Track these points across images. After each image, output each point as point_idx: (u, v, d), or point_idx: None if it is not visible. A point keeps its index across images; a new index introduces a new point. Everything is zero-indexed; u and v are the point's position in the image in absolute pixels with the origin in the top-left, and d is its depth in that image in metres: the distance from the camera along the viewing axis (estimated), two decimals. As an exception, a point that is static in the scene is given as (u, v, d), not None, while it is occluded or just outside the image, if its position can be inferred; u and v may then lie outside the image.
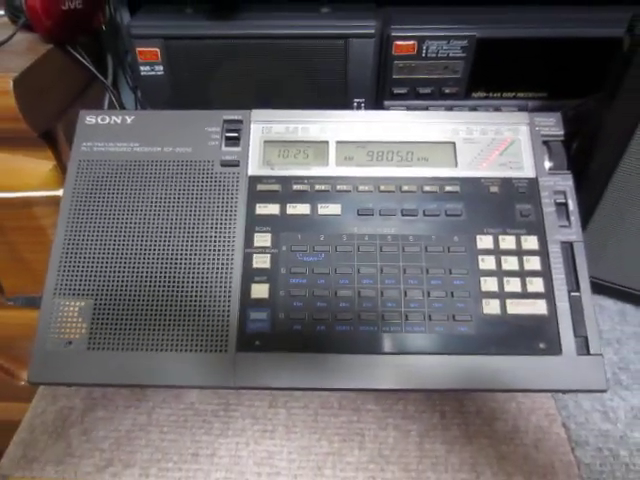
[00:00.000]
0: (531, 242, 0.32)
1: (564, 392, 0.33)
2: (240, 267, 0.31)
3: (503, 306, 0.31)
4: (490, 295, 0.31)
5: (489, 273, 0.31)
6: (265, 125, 0.36)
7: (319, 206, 0.33)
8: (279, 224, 0.33)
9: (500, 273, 0.31)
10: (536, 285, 0.31)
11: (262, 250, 0.32)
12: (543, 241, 0.32)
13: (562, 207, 0.33)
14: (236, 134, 0.35)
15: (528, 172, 0.34)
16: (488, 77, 0.47)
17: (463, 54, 0.45)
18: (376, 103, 0.49)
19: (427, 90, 0.47)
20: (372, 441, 0.33)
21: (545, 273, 0.31)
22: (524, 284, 0.31)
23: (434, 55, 0.45)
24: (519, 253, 0.32)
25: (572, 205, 0.33)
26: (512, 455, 0.32)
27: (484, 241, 0.32)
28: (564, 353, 0.30)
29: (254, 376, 0.29)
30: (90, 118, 0.36)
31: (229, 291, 0.31)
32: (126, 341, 0.30)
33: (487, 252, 0.32)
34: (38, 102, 0.39)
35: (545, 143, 0.35)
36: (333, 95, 0.47)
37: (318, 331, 0.30)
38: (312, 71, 0.46)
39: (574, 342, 0.30)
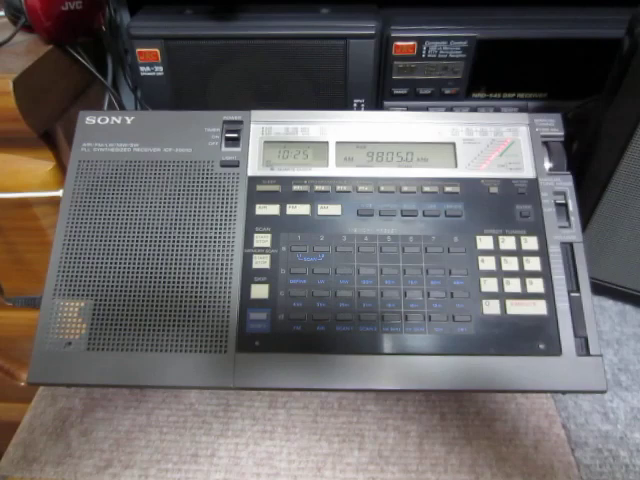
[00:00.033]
0: (531, 242, 0.32)
1: (564, 393, 0.33)
2: (240, 267, 0.31)
3: (503, 306, 0.31)
4: (490, 295, 0.31)
5: (489, 273, 0.31)
6: (265, 125, 0.36)
7: (319, 206, 0.33)
8: (279, 224, 0.33)
9: (500, 273, 0.31)
10: (536, 285, 0.31)
11: (262, 250, 0.32)
12: (543, 242, 0.32)
13: (562, 208, 0.33)
14: (236, 134, 0.35)
15: (528, 173, 0.34)
16: (488, 78, 0.47)
17: (463, 55, 0.45)
18: (376, 103, 0.49)
19: (427, 91, 0.47)
20: (372, 442, 0.33)
21: (545, 273, 0.31)
22: (524, 284, 0.31)
23: (434, 56, 0.45)
24: (519, 253, 0.32)
25: (572, 206, 0.33)
26: (512, 456, 0.32)
27: (484, 241, 0.32)
28: (564, 354, 0.30)
29: (254, 377, 0.29)
30: (90, 118, 0.36)
31: (229, 291, 0.31)
32: (126, 342, 0.30)
33: (487, 252, 0.32)
34: (38, 103, 0.39)
35: (545, 144, 0.35)
36: (333, 95, 0.47)
37: (318, 331, 0.30)
38: (312, 72, 0.46)
39: (574, 343, 0.30)
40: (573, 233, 0.32)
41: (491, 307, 0.31)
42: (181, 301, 0.31)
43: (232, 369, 0.29)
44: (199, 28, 0.45)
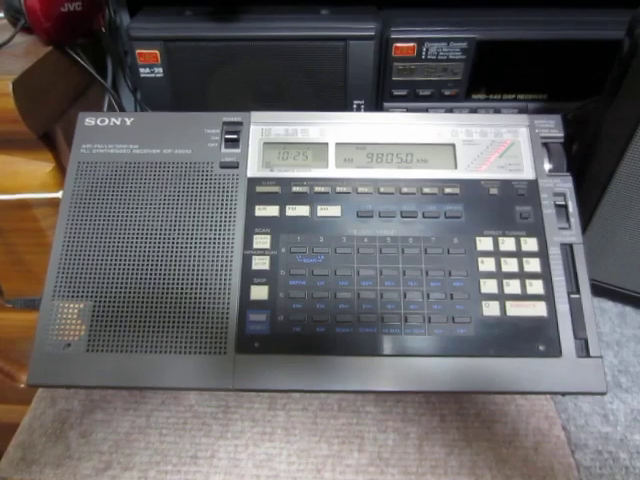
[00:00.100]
0: (531, 244, 0.32)
1: (564, 394, 0.33)
2: (239, 269, 0.31)
3: (503, 308, 0.31)
4: (490, 297, 0.31)
5: (489, 275, 0.31)
6: (265, 127, 0.36)
7: (319, 208, 0.33)
8: (278, 226, 0.33)
9: (500, 275, 0.31)
10: (536, 287, 0.31)
11: (261, 252, 0.32)
12: (543, 243, 0.32)
13: (562, 209, 0.33)
14: (235, 136, 0.35)
15: (528, 174, 0.34)
16: (488, 79, 0.47)
17: (463, 56, 0.45)
18: (376, 105, 0.49)
19: (427, 92, 0.47)
20: (371, 443, 0.33)
21: (545, 275, 0.31)
22: (524, 286, 0.31)
23: (434, 57, 0.45)
24: (519, 255, 0.32)
25: (572, 207, 0.33)
26: (511, 458, 0.32)
27: (484, 243, 0.32)
28: (564, 355, 0.29)
29: (253, 378, 0.29)
30: (89, 120, 0.36)
31: (228, 293, 0.31)
32: (125, 343, 0.30)
33: (487, 254, 0.32)
34: (37, 104, 0.39)
35: (545, 145, 0.35)
36: (333, 97, 0.47)
37: (317, 333, 0.30)
38: (312, 73, 0.46)
39: (574, 344, 0.30)
40: (573, 234, 0.32)
41: (491, 308, 0.31)
42: (180, 302, 0.31)
43: (232, 370, 0.29)
44: (199, 29, 0.45)
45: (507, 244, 0.32)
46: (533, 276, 0.31)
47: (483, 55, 0.45)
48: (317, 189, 0.34)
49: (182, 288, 0.31)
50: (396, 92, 0.47)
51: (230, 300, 0.31)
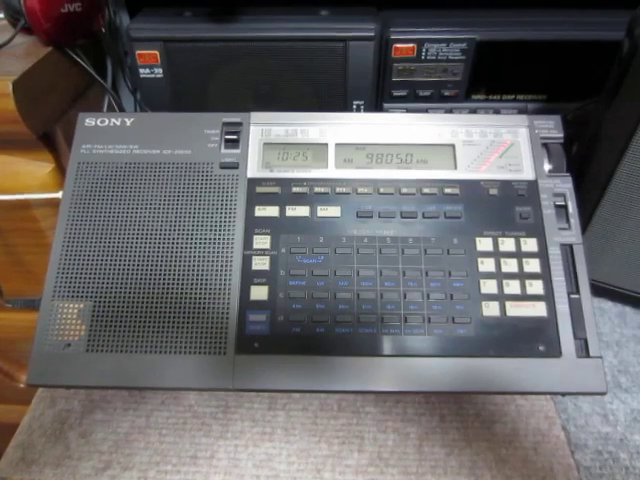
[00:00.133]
0: (530, 244, 0.32)
1: (563, 395, 0.33)
2: (239, 269, 0.31)
3: (502, 308, 0.31)
4: (489, 297, 0.31)
5: (488, 275, 0.31)
6: (264, 127, 0.36)
7: (318, 208, 0.33)
8: (278, 226, 0.33)
9: (499, 275, 0.31)
10: (535, 287, 0.31)
11: (261, 252, 0.32)
12: (543, 243, 0.32)
13: (562, 209, 0.33)
14: (235, 136, 0.35)
15: (527, 174, 0.34)
16: (488, 79, 0.47)
17: (462, 57, 0.45)
18: (376, 105, 0.49)
19: (426, 92, 0.47)
20: (371, 444, 0.33)
21: (545, 275, 0.31)
22: (523, 286, 0.31)
23: (434, 58, 0.45)
24: (518, 255, 0.32)
25: (572, 207, 0.33)
26: (511, 458, 0.32)
27: (483, 243, 0.32)
28: (564, 355, 0.30)
29: (253, 378, 0.29)
30: (89, 120, 0.36)
31: (228, 293, 0.31)
32: (125, 343, 0.30)
33: (486, 254, 0.32)
34: (37, 104, 0.39)
35: (545, 145, 0.35)
36: (332, 97, 0.47)
37: (317, 333, 0.30)
38: (312, 73, 0.46)
39: (574, 344, 0.30)
40: (573, 235, 0.32)
41: (491, 309, 0.31)
42: (180, 303, 0.31)
43: (231, 371, 0.29)
44: (198, 30, 0.45)
45: (507, 244, 0.32)
46: (533, 276, 0.31)
47: (483, 56, 0.45)
48: (317, 189, 0.34)
49: (182, 288, 0.31)
50: (396, 93, 0.48)
51: (230, 300, 0.31)
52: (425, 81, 0.47)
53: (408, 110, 0.48)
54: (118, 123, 0.36)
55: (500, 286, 0.31)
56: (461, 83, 0.47)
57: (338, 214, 0.33)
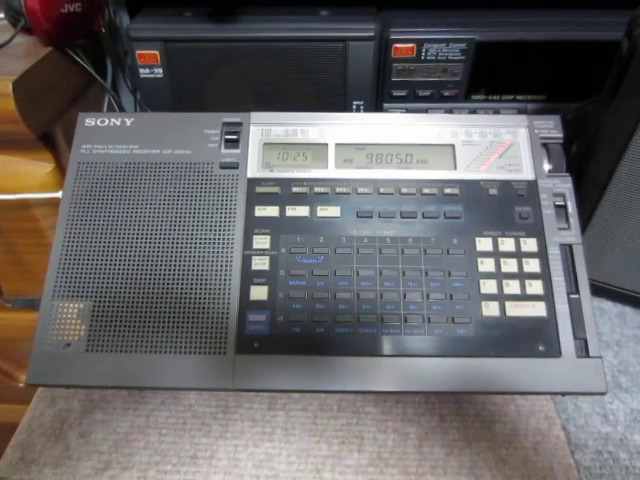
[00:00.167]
0: (530, 244, 0.32)
1: (563, 395, 0.33)
2: (239, 269, 0.31)
3: (502, 308, 0.31)
4: (489, 297, 0.31)
5: (488, 275, 0.31)
6: (264, 127, 0.36)
7: (318, 208, 0.33)
8: (278, 226, 0.33)
9: (499, 275, 0.31)
10: (535, 287, 0.31)
11: (261, 252, 0.32)
12: (542, 243, 0.32)
13: (561, 209, 0.33)
14: (235, 136, 0.35)
15: (527, 174, 0.34)
16: (487, 80, 0.47)
17: (462, 57, 0.45)
18: (375, 105, 0.49)
19: (426, 92, 0.47)
20: (371, 444, 0.33)
21: (544, 275, 0.31)
22: (523, 286, 0.31)
23: (433, 58, 0.45)
24: (518, 255, 0.32)
25: (571, 207, 0.33)
26: (511, 458, 0.32)
27: (483, 243, 0.32)
28: (563, 355, 0.30)
29: (253, 378, 0.29)
30: (89, 120, 0.36)
31: (228, 293, 0.31)
32: (125, 343, 0.30)
33: (486, 254, 0.32)
34: (37, 104, 0.39)
35: (544, 145, 0.35)
36: (332, 97, 0.47)
37: (317, 333, 0.30)
38: (311, 74, 0.46)
39: (573, 344, 0.30)
40: (572, 235, 0.32)
41: (490, 309, 0.31)
42: (180, 302, 0.31)
43: (231, 371, 0.29)
44: (198, 30, 0.45)
45: (507, 244, 0.32)
46: (532, 276, 0.31)
47: (482, 56, 0.45)
48: (317, 189, 0.34)
49: (182, 288, 0.31)
50: (396, 93, 0.48)
51: (230, 300, 0.31)
52: (425, 81, 0.47)
53: (408, 110, 0.48)
54: (118, 123, 0.36)
55: (500, 286, 0.31)
56: (461, 83, 0.47)
57: (338, 214, 0.33)
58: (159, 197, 0.33)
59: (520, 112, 0.49)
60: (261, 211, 0.33)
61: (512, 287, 0.31)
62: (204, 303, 0.31)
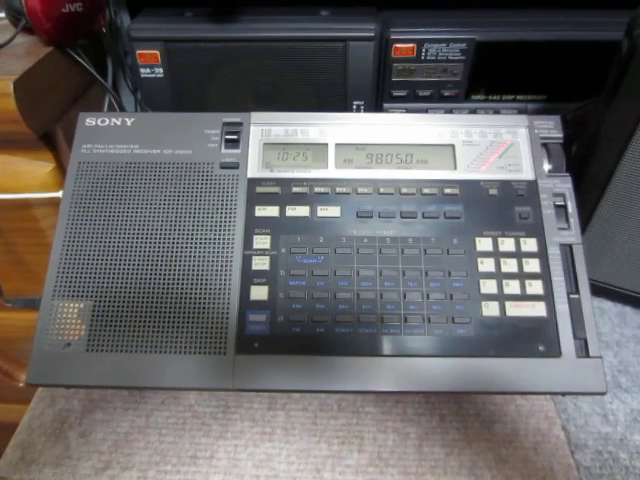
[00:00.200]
0: (530, 244, 0.32)
1: (563, 395, 0.33)
2: (239, 269, 0.31)
3: (502, 308, 0.31)
4: (489, 297, 0.31)
5: (488, 275, 0.31)
6: (265, 127, 0.36)
7: (318, 208, 0.33)
8: (278, 226, 0.33)
9: (499, 275, 0.31)
10: (535, 287, 0.31)
11: (261, 252, 0.32)
12: (542, 243, 0.32)
13: (561, 209, 0.33)
14: (236, 136, 0.35)
15: (527, 174, 0.34)
16: (487, 80, 0.47)
17: (462, 57, 0.45)
18: (375, 105, 0.49)
19: (426, 92, 0.47)
20: (371, 444, 0.33)
21: (544, 275, 0.31)
22: (523, 286, 0.31)
23: (433, 58, 0.45)
24: (518, 255, 0.32)
25: (571, 207, 0.33)
26: (511, 458, 0.32)
27: (483, 243, 0.32)
28: (563, 355, 0.30)
29: (253, 378, 0.29)
30: (90, 120, 0.36)
31: (228, 293, 0.31)
32: (125, 343, 0.30)
33: (486, 254, 0.32)
34: (38, 104, 0.39)
35: (544, 145, 0.35)
36: (332, 97, 0.47)
37: (317, 333, 0.30)
38: (312, 74, 0.46)
39: (573, 344, 0.30)
40: (572, 235, 0.32)
41: (490, 309, 0.31)
42: (180, 302, 0.31)
43: (231, 371, 0.29)
44: (199, 30, 0.45)
45: (506, 244, 0.32)
46: (532, 276, 0.31)
47: (482, 56, 0.45)
48: (317, 189, 0.34)
49: (182, 288, 0.31)
50: (396, 93, 0.48)
51: (230, 300, 0.31)
52: (425, 81, 0.47)
53: (408, 110, 0.48)
54: (119, 123, 0.36)
55: (500, 286, 0.31)
56: (461, 83, 0.47)
57: (338, 214, 0.33)
58: (159, 197, 0.33)
59: (520, 112, 0.49)
60: (261, 211, 0.33)
61: (512, 287, 0.31)
62: (204, 303, 0.31)
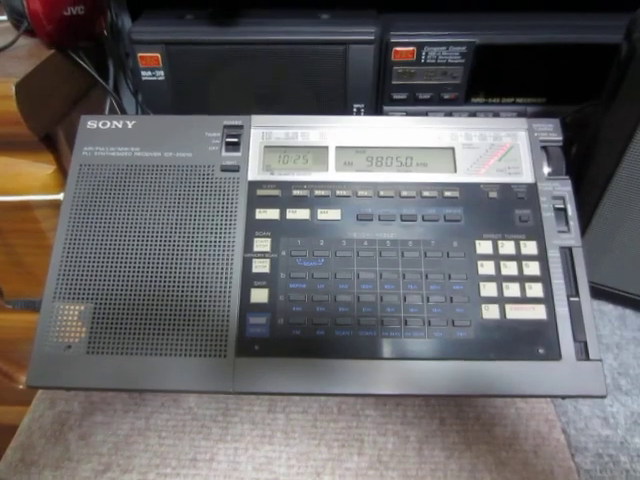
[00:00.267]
0: (530, 247, 0.32)
1: (563, 397, 0.33)
2: (240, 272, 0.31)
3: (502, 311, 0.31)
4: (489, 300, 0.31)
5: (488, 278, 0.31)
6: (265, 130, 0.36)
7: (319, 211, 0.33)
8: (279, 229, 0.33)
9: (499, 278, 0.31)
10: (535, 290, 0.31)
11: (262, 255, 0.32)
12: (542, 246, 0.32)
13: (561, 212, 0.33)
14: (236, 139, 0.35)
15: (527, 177, 0.34)
16: (487, 83, 0.47)
17: (462, 60, 0.45)
18: (376, 109, 0.49)
19: (426, 96, 0.47)
20: (371, 447, 0.33)
21: (544, 278, 0.31)
22: (523, 289, 0.31)
23: (433, 61, 0.45)
24: (518, 258, 0.32)
25: (571, 210, 0.33)
26: (511, 461, 0.32)
27: (483, 246, 0.32)
28: (563, 358, 0.30)
29: (253, 381, 0.29)
30: (91, 123, 0.36)
31: (228, 296, 0.31)
32: (125, 345, 0.30)
33: (486, 257, 0.32)
34: (39, 106, 0.40)
35: (544, 148, 0.35)
36: (333, 100, 0.48)
37: (317, 336, 0.30)
38: (312, 77, 0.46)
39: (573, 347, 0.30)
40: (572, 237, 0.32)
41: (490, 312, 0.31)
42: (181, 305, 0.31)
43: (231, 373, 0.29)
44: (200, 33, 0.45)
45: (506, 247, 0.32)
46: (532, 279, 0.31)
47: (482, 59, 0.45)
48: (317, 192, 0.34)
49: (182, 291, 0.31)
50: (396, 96, 0.48)
51: (230, 303, 0.31)
52: (425, 84, 0.47)
53: (408, 113, 0.48)
54: (120, 125, 0.36)
55: (500, 289, 0.31)
56: (461, 86, 0.47)
57: (338, 217, 0.33)
58: (160, 200, 0.33)
59: (520, 115, 0.49)
60: (262, 214, 0.33)
61: (512, 290, 0.31)
62: (205, 305, 0.31)
